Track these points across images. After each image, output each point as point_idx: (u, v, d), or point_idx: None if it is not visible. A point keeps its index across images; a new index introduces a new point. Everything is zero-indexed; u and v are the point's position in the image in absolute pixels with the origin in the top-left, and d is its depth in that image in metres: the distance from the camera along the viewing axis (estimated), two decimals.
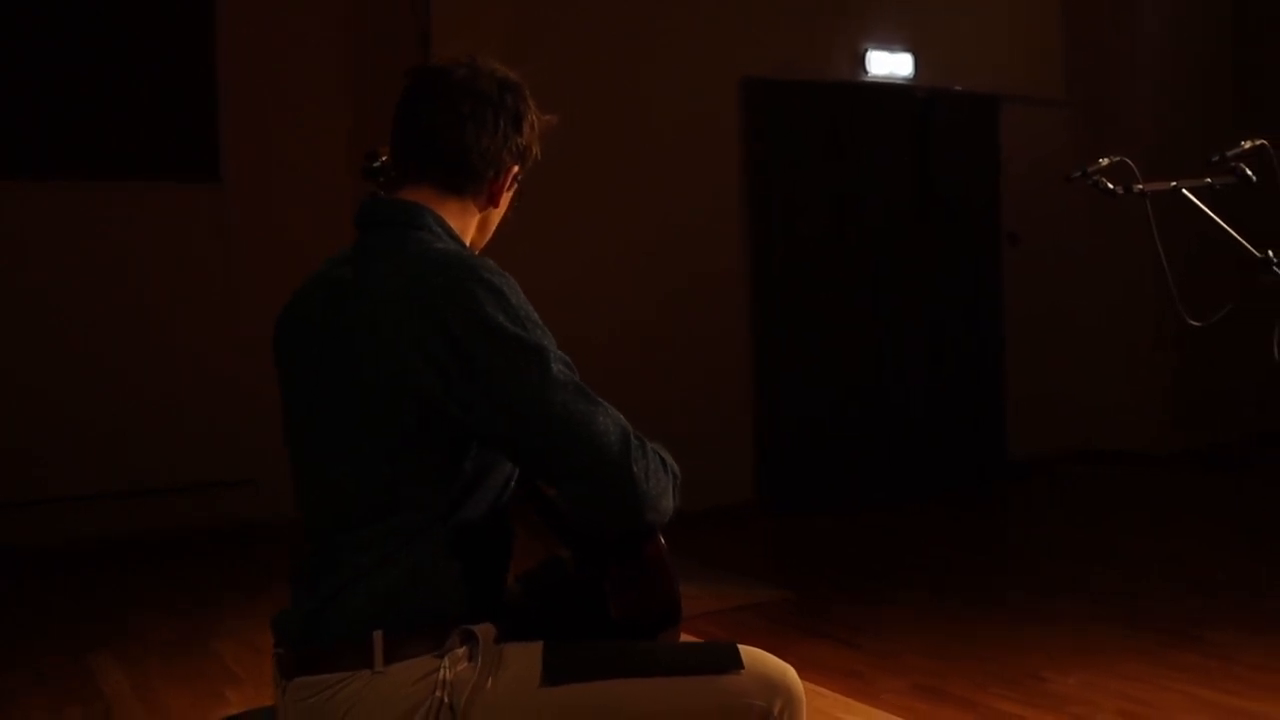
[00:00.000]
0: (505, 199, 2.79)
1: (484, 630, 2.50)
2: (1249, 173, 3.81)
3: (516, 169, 2.76)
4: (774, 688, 2.62)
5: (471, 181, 2.68)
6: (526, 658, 2.52)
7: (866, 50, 10.56)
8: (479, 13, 8.77)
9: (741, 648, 2.64)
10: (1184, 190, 3.84)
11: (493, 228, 2.84)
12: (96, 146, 8.78)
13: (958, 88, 10.90)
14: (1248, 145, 3.82)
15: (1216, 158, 3.83)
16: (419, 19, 8.73)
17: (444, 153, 2.65)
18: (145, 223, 8.90)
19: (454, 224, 2.67)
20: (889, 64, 10.66)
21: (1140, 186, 3.80)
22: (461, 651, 2.47)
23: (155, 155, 8.93)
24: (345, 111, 9.28)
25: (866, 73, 10.58)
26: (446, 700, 2.42)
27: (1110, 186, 3.79)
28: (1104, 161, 3.80)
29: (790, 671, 2.67)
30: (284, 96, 9.19)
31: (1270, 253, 3.76)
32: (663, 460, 2.52)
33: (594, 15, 9.39)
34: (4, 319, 8.47)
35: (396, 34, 9.01)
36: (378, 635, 2.42)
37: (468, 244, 2.73)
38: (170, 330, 8.89)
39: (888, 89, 10.68)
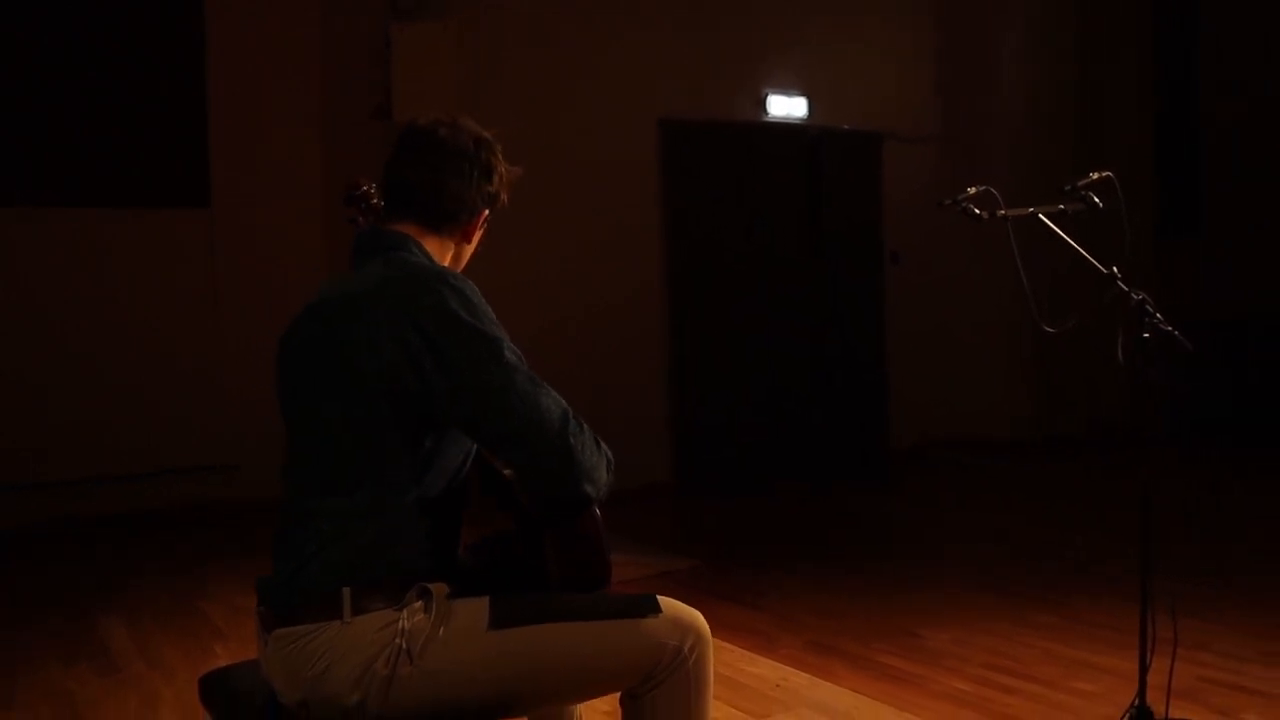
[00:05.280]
0: (477, 237, 2.92)
1: (438, 587, 2.54)
2: (1096, 199, 3.86)
3: (487, 212, 2.88)
4: (685, 629, 2.69)
5: (448, 223, 2.81)
6: (474, 609, 2.57)
7: (767, 94, 10.61)
8: (431, 62, 8.72)
9: (659, 597, 2.71)
10: (1040, 215, 3.88)
11: (465, 260, 2.95)
12: (101, 175, 8.73)
13: (845, 126, 10.94)
14: (1096, 176, 3.87)
15: (1069, 187, 3.88)
16: (381, 67, 8.72)
17: (425, 199, 2.77)
18: (143, 240, 8.83)
19: (432, 252, 2.78)
20: (786, 106, 10.72)
21: (1003, 212, 3.82)
22: (418, 605, 2.52)
23: (152, 183, 8.89)
24: (320, 143, 9.24)
25: (767, 114, 10.63)
26: (405, 646, 2.47)
27: (977, 212, 3.80)
28: (972, 190, 3.80)
29: (699, 616, 2.74)
30: (267, 129, 9.13)
31: (1115, 269, 3.81)
32: (597, 442, 2.60)
33: (530, 67, 9.42)
34: (17, 329, 8.40)
35: (364, 78, 8.98)
36: (346, 591, 2.47)
37: None
38: (165, 336, 8.82)
39: (785, 128, 10.74)
